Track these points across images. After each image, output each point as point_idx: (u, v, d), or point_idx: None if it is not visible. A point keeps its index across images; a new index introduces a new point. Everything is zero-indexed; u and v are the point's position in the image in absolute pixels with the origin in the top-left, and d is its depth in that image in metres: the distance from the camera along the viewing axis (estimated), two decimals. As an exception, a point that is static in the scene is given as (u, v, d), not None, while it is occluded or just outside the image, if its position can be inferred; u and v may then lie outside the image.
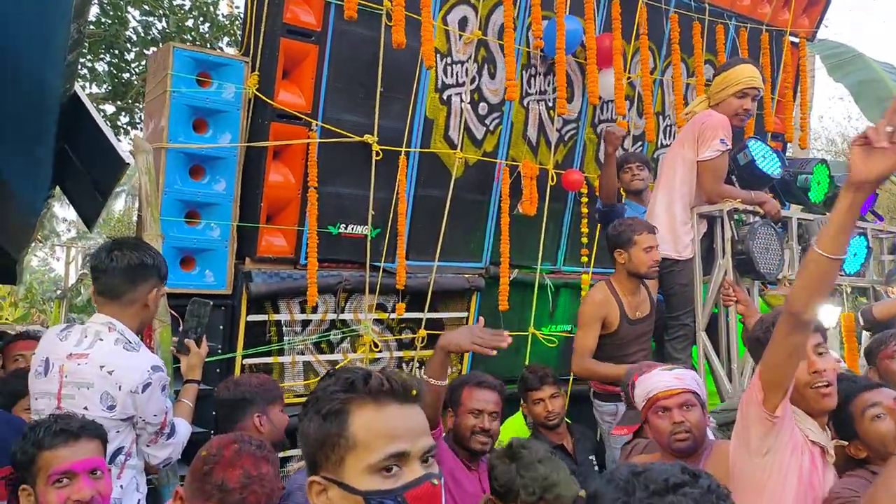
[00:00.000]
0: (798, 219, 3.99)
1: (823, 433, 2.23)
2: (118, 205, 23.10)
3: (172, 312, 3.06)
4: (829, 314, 4.22)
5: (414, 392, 1.25)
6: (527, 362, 4.32)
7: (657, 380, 2.53)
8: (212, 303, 3.09)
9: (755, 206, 3.67)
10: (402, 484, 1.19)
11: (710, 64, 4.96)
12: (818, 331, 2.25)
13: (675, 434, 2.43)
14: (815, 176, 4.02)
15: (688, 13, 4.80)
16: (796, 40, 5.43)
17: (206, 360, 3.05)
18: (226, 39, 8.50)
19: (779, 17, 5.21)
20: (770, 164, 3.72)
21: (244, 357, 3.55)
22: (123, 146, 3.68)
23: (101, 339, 2.40)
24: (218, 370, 3.42)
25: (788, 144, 6.00)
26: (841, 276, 4.12)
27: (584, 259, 4.52)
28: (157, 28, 8.26)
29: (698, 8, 4.85)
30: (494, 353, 2.54)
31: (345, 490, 1.19)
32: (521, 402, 3.74)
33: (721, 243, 3.62)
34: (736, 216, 3.59)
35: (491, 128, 4.21)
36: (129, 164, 3.43)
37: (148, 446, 2.48)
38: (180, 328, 3.01)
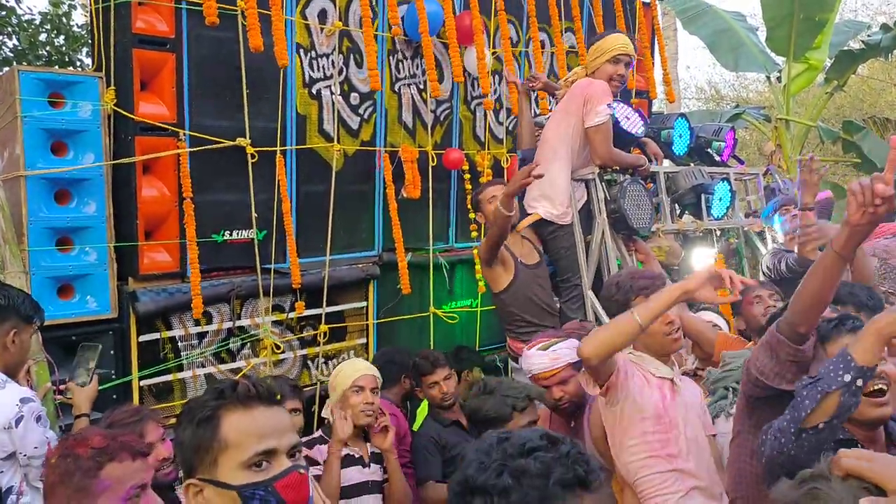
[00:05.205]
0: (665, 172, 4.21)
1: (669, 369, 2.64)
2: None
3: (48, 357, 2.96)
4: (705, 256, 4.47)
5: (278, 395, 1.36)
6: (431, 342, 4.41)
7: (535, 361, 2.89)
8: (101, 346, 3.05)
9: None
10: (271, 476, 1.29)
11: (570, 31, 5.13)
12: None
13: (558, 403, 2.93)
14: (677, 130, 4.25)
15: (542, -16, 4.94)
16: (647, 0, 5.69)
17: (100, 387, 3.01)
18: (84, 50, 8.09)
19: (628, -20, 5.43)
20: (633, 124, 3.89)
21: (141, 379, 3.47)
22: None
23: None
24: (114, 396, 3.33)
25: (660, 99, 6.33)
26: (710, 220, 4.40)
27: (475, 234, 4.61)
28: (7, 47, 7.78)
29: (552, -22, 4.99)
30: None
31: (219, 487, 1.29)
32: (417, 386, 3.85)
33: (597, 203, 3.78)
34: (607, 176, 3.75)
35: (365, 117, 4.22)
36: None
37: (41, 481, 2.42)
38: (59, 369, 2.94)
